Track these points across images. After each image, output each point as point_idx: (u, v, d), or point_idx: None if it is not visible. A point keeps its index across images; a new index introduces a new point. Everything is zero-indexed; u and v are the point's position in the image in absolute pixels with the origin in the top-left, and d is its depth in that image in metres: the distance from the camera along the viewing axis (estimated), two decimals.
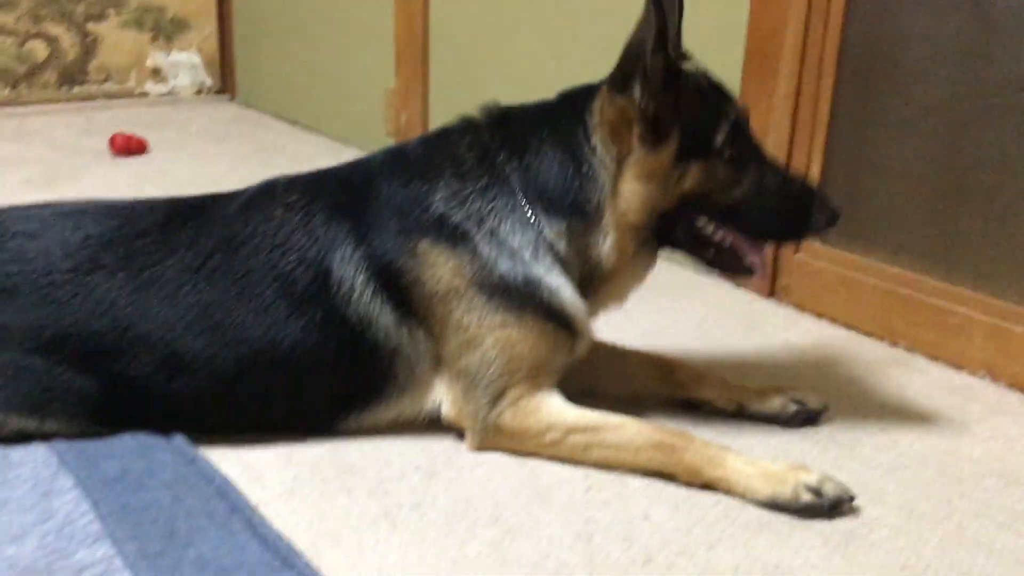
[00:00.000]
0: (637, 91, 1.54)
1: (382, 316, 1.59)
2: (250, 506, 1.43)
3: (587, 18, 2.75)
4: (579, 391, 1.67)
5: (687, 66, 1.59)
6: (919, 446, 1.70)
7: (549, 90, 1.71)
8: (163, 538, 1.35)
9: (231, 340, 1.56)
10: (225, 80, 4.82)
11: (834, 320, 2.25)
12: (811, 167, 2.26)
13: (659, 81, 1.52)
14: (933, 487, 1.57)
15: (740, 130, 1.60)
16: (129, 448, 1.57)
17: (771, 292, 2.38)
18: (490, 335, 1.58)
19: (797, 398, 1.75)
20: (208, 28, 4.74)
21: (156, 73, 4.68)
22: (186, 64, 4.72)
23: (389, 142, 1.79)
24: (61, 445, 1.56)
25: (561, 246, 1.60)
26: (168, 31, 4.66)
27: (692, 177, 1.57)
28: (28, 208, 1.72)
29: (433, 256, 1.59)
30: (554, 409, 1.59)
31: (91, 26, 4.47)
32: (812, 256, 2.30)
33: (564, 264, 1.61)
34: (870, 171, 2.18)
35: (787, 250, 2.33)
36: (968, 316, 2.00)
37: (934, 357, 2.06)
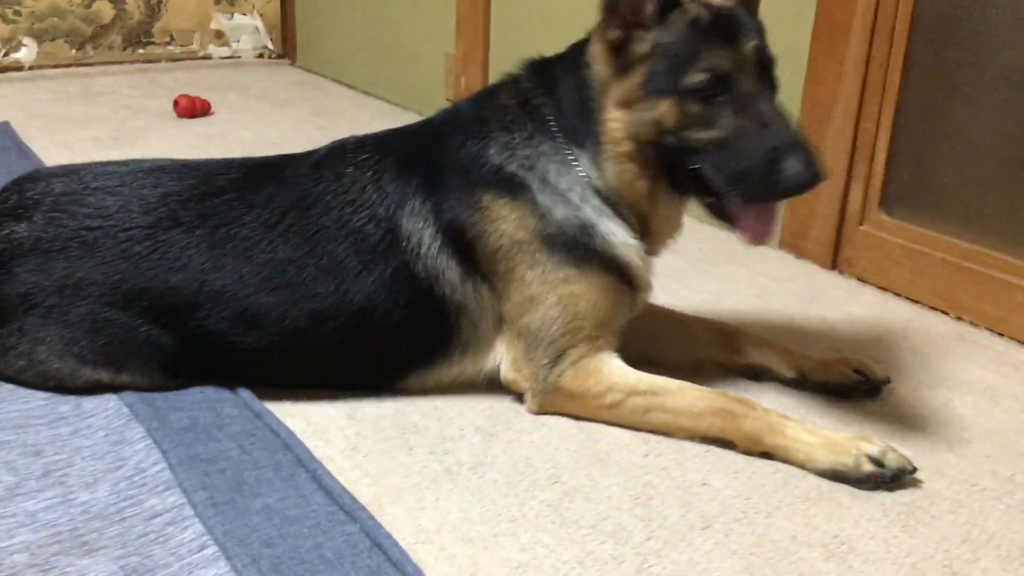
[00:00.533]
0: (603, 20, 1.56)
1: (448, 270, 1.61)
2: (315, 460, 1.46)
3: None
4: (639, 357, 1.67)
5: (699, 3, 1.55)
6: (982, 421, 1.68)
7: None
8: (231, 488, 1.39)
9: (303, 296, 1.60)
10: (286, 44, 4.85)
11: (898, 293, 2.22)
12: (879, 137, 2.22)
13: (623, 11, 1.53)
14: (996, 462, 1.56)
15: (728, 76, 1.50)
16: (196, 401, 1.61)
17: (833, 264, 2.35)
18: (553, 292, 1.59)
19: (859, 369, 1.73)
20: None
21: (219, 36, 4.72)
22: (248, 27, 4.76)
23: None
24: (131, 397, 1.61)
25: (595, 177, 1.61)
26: None
27: (661, 111, 1.53)
28: (107, 164, 1.76)
29: (496, 209, 1.60)
30: (615, 371, 1.60)
31: None
32: (877, 228, 2.27)
33: (610, 201, 1.61)
34: (940, 141, 2.14)
35: (851, 222, 2.30)
36: None
37: (999, 332, 2.02)
